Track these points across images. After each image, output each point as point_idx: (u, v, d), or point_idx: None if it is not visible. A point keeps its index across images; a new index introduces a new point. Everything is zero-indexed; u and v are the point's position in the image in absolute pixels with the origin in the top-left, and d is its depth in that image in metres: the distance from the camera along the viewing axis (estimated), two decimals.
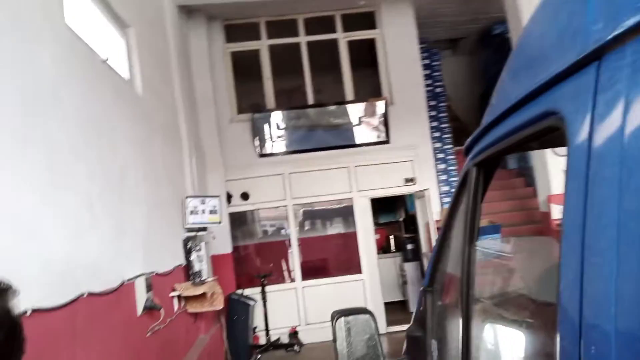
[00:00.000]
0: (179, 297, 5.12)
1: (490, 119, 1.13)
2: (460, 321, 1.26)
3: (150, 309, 3.96)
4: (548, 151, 5.90)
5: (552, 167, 6.20)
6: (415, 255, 8.84)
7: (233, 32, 8.27)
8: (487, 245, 1.24)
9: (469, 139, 1.28)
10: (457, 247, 1.38)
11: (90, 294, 2.92)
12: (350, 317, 1.65)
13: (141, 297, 3.89)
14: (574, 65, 0.75)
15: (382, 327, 7.60)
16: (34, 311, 2.24)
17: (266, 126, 7.97)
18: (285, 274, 8.11)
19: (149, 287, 4.02)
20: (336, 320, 1.62)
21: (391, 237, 10.24)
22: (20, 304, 2.09)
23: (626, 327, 0.58)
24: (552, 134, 0.91)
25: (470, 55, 10.68)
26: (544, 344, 0.99)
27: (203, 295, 5.32)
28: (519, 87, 0.98)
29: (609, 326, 0.61)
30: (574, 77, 0.77)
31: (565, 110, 0.78)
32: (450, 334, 1.42)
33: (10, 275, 2.07)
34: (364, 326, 1.64)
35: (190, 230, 5.85)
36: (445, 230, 1.49)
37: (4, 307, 0.74)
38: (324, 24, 8.36)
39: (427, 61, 8.71)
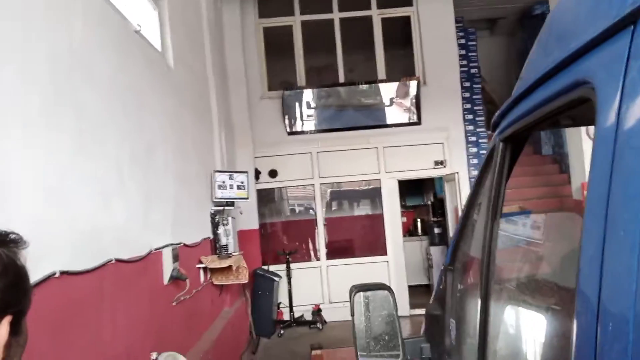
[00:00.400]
0: (205, 269, 5.23)
1: (518, 92, 1.09)
2: (479, 301, 1.24)
3: (176, 278, 4.06)
4: (584, 136, 5.71)
5: (587, 153, 6.00)
6: (442, 240, 8.77)
7: (266, 7, 8.23)
8: (511, 222, 1.21)
9: (497, 113, 1.25)
10: (480, 225, 1.35)
11: (118, 260, 3.01)
12: (369, 292, 1.65)
13: (168, 266, 3.98)
14: (607, 31, 0.72)
15: (405, 310, 7.61)
16: (62, 273, 2.32)
17: (296, 104, 7.96)
18: (311, 253, 8.18)
19: (175, 258, 4.11)
20: (354, 295, 1.62)
21: (418, 220, 10.16)
22: (49, 265, 2.17)
23: None
24: (584, 110, 0.87)
25: (509, 36, 10.34)
26: (564, 329, 0.96)
27: (229, 268, 5.42)
28: (550, 57, 0.94)
29: (627, 303, 0.58)
30: (607, 44, 0.73)
31: (596, 79, 0.75)
32: (469, 314, 1.41)
33: (39, 238, 2.16)
34: (383, 302, 1.64)
35: (218, 204, 5.94)
36: (469, 207, 1.46)
37: (10, 256, 0.77)
38: (358, 0, 8.22)
39: (462, 41, 8.48)
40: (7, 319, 0.75)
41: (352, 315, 1.61)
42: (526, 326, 1.16)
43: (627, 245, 0.59)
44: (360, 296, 1.63)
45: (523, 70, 1.18)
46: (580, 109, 0.88)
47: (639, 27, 0.66)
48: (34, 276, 2.11)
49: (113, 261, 2.94)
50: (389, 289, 1.61)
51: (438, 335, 1.57)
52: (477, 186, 1.41)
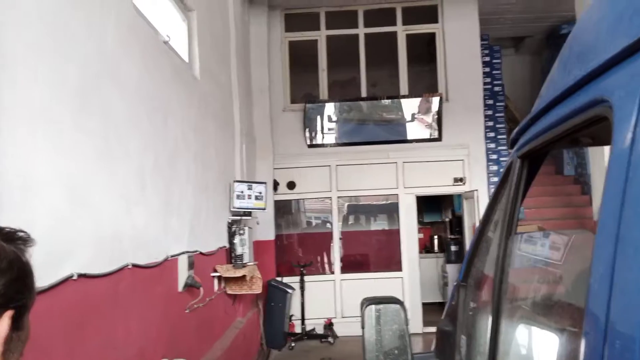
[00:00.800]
0: (220, 278, 5.25)
1: (537, 109, 1.09)
2: (490, 318, 1.23)
3: (190, 286, 4.09)
4: (606, 157, 5.61)
5: None
6: (459, 257, 8.66)
7: (292, 21, 8.34)
8: (526, 240, 1.20)
9: (515, 130, 1.25)
10: (494, 241, 1.34)
11: (135, 265, 3.05)
12: (381, 306, 1.64)
13: (183, 274, 4.02)
14: (626, 50, 0.72)
15: (419, 327, 7.52)
16: (80, 276, 2.36)
17: (318, 117, 8.01)
18: (326, 266, 8.15)
19: (191, 265, 4.14)
20: (365, 307, 1.62)
21: (435, 237, 10.07)
22: (68, 265, 2.21)
23: None
24: (605, 130, 0.87)
25: (534, 55, 10.28)
26: (575, 350, 0.95)
27: (243, 278, 5.44)
28: (569, 75, 0.94)
29: (636, 321, 0.58)
30: (625, 63, 0.73)
31: (613, 98, 0.75)
32: (480, 331, 1.39)
33: (60, 238, 2.20)
34: (394, 316, 1.63)
35: (235, 214, 5.98)
36: (484, 224, 1.45)
37: (17, 252, 0.80)
38: (383, 16, 8.28)
39: (487, 58, 8.46)
40: (9, 314, 0.77)
41: (363, 327, 1.60)
42: (537, 346, 1.14)
43: (637, 263, 0.59)
44: (371, 309, 1.62)
45: (543, 88, 1.18)
46: (602, 129, 0.88)
47: None
48: (53, 276, 2.15)
49: (130, 266, 2.98)
50: (400, 303, 1.60)
51: (448, 351, 1.55)
52: (493, 202, 1.41)
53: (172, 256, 3.81)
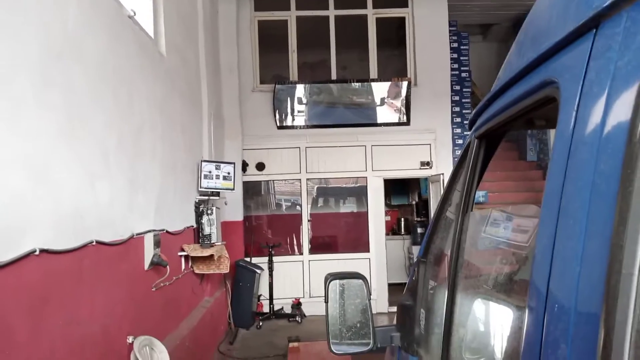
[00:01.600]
0: (187, 257, 5.23)
1: (494, 91, 1.13)
2: (447, 292, 1.29)
3: (157, 264, 4.07)
4: None
5: None
6: None
7: (262, 1, 8.22)
8: (481, 215, 1.25)
9: (474, 111, 1.29)
10: (452, 218, 1.39)
11: (99, 242, 3.01)
12: (344, 281, 1.68)
13: (149, 252, 3.99)
14: (573, 34, 0.76)
15: (384, 307, 7.70)
16: (42, 251, 2.32)
17: (288, 98, 7.97)
18: (295, 247, 8.21)
19: (157, 244, 4.11)
20: (329, 282, 1.65)
21: (402, 219, 10.25)
22: (30, 241, 2.17)
23: (587, 285, 0.60)
24: (554, 110, 0.91)
25: (501, 42, 10.45)
26: (522, 319, 1.00)
27: (210, 257, 5.43)
28: (523, 58, 0.98)
29: (572, 285, 0.62)
30: (572, 46, 0.77)
31: (561, 79, 0.79)
32: (437, 305, 1.45)
33: (21, 214, 2.16)
34: (357, 291, 1.67)
35: (203, 194, 5.94)
36: (443, 202, 1.50)
37: None
38: None
39: (455, 45, 8.57)
40: None
41: (326, 302, 1.64)
42: (489, 317, 1.20)
43: (575, 232, 0.63)
44: (335, 284, 1.66)
45: (500, 70, 1.22)
46: (554, 110, 0.92)
47: (600, 30, 0.70)
48: (15, 252, 2.12)
49: (94, 243, 2.95)
50: (363, 278, 1.65)
51: (408, 324, 1.61)
52: (451, 182, 1.45)
53: (137, 234, 3.77)
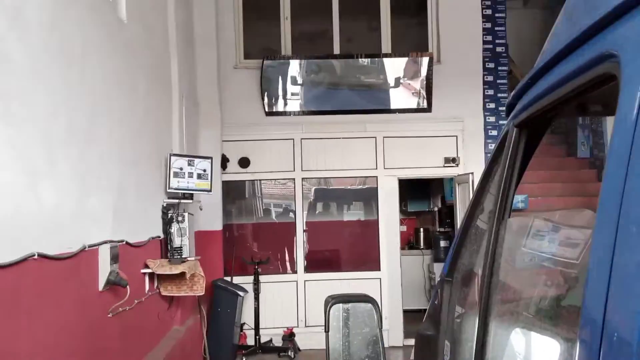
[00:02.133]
0: (152, 275, 5.23)
1: (537, 67, 1.13)
2: (477, 320, 1.28)
3: (114, 284, 4.06)
4: None
5: None
6: None
7: None
8: (520, 225, 1.25)
9: (512, 93, 1.29)
10: (484, 228, 1.39)
11: (42, 256, 3.01)
12: (349, 305, 1.69)
13: (105, 268, 3.99)
14: None
15: (399, 339, 7.71)
16: None
17: (279, 78, 7.98)
18: (287, 264, 8.21)
19: (115, 258, 4.11)
20: (331, 307, 1.66)
21: (421, 230, 10.26)
22: None
23: None
24: (614, 93, 0.91)
25: (546, 9, 10.46)
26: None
27: (181, 276, 5.43)
28: (574, 27, 0.98)
29: (635, 310, 0.62)
30: (637, 11, 0.77)
31: (622, 52, 0.79)
32: (466, 336, 1.45)
33: None
34: (365, 317, 1.68)
35: (172, 196, 5.94)
36: (474, 207, 1.50)
37: None
38: None
39: (489, 12, 8.55)
40: None
41: (327, 331, 1.64)
42: (530, 352, 1.20)
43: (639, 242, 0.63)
44: (338, 309, 1.66)
45: (546, 42, 1.22)
46: (612, 92, 0.92)
47: None
48: None
49: (36, 256, 2.94)
50: (373, 301, 1.65)
51: (429, 359, 1.61)
52: (483, 182, 1.45)
53: (90, 246, 3.77)
